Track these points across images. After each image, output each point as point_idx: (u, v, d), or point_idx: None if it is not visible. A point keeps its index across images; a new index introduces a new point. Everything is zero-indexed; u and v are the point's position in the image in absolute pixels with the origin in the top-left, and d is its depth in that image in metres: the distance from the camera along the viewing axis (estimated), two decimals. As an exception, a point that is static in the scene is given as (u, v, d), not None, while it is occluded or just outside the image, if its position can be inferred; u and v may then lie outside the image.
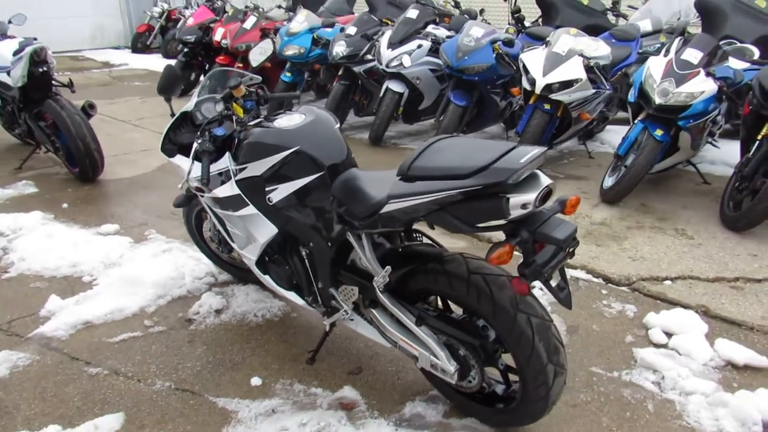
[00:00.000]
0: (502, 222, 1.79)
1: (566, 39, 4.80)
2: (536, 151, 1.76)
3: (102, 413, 2.35)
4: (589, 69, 4.78)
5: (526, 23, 7.37)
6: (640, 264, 3.52)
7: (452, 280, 2.03)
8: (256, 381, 2.54)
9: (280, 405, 2.41)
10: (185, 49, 8.13)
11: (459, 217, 1.80)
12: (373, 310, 2.29)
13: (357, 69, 6.15)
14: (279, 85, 6.70)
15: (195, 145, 2.53)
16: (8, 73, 4.66)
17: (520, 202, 1.70)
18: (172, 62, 8.17)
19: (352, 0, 9.90)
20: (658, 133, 4.13)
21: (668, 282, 3.33)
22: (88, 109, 4.90)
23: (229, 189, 2.50)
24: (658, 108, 4.07)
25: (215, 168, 2.56)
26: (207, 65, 8.14)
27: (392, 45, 5.72)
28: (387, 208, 1.93)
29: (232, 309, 3.09)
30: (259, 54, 6.92)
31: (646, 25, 6.50)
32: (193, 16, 8.29)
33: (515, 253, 1.80)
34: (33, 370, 2.62)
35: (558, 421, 2.33)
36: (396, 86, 5.74)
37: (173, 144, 2.79)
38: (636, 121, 4.36)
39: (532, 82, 4.74)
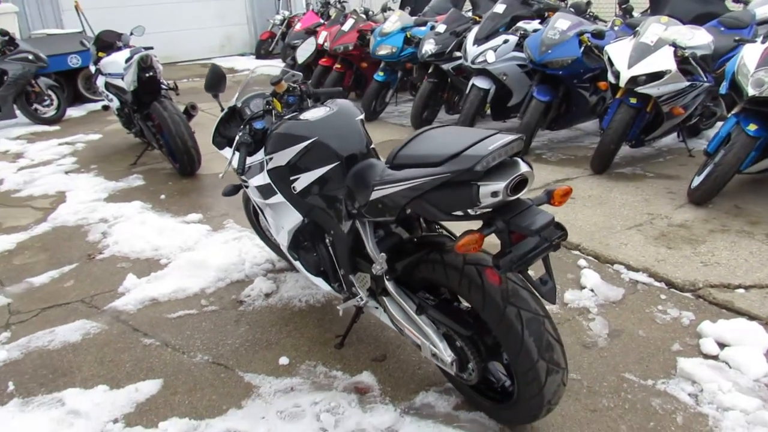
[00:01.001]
0: (478, 211, 1.77)
1: (656, 28, 4.48)
2: (508, 138, 1.71)
3: (145, 378, 2.62)
4: (683, 60, 4.43)
5: (635, 14, 6.95)
6: (713, 269, 3.21)
7: (448, 269, 2.03)
8: (284, 360, 2.69)
9: (300, 384, 2.53)
10: (294, 53, 8.58)
11: (435, 204, 1.81)
12: (384, 298, 2.34)
13: (445, 66, 6.16)
14: (372, 84, 6.88)
15: (237, 137, 2.72)
16: (122, 79, 5.24)
17: (490, 190, 1.67)
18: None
19: (461, 0, 9.86)
20: (752, 128, 3.73)
21: (741, 290, 3.01)
22: (190, 110, 5.39)
23: (262, 178, 2.67)
24: (751, 100, 3.68)
25: (255, 159, 2.74)
26: (313, 68, 8.52)
27: (478, 41, 5.66)
28: (373, 195, 1.97)
29: (280, 293, 3.27)
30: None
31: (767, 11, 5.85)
32: (301, 21, 8.73)
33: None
34: (100, 337, 2.97)
35: (572, 424, 2.23)
36: (481, 83, 5.66)
37: (222, 137, 3.02)
38: (729, 115, 3.97)
39: (617, 75, 4.48)
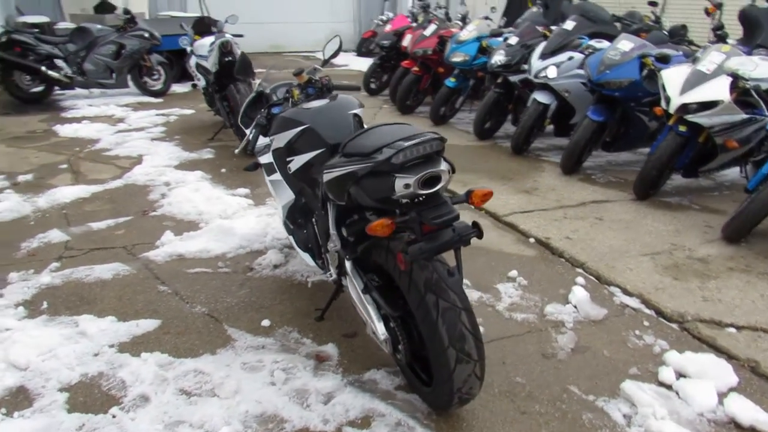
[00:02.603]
0: (401, 200, 1.95)
1: (715, 56, 4.34)
2: (428, 137, 1.88)
3: (148, 317, 3.01)
4: (744, 92, 4.26)
5: (729, 41, 6.63)
6: (710, 305, 3.14)
7: (388, 255, 2.22)
8: (266, 323, 2.98)
9: (271, 344, 2.81)
10: (382, 53, 8.93)
11: (365, 191, 2.01)
12: (346, 276, 2.56)
13: (513, 78, 6.22)
14: (442, 89, 7.06)
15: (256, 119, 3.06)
16: (207, 61, 5.79)
17: (403, 182, 1.86)
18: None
19: (556, 14, 9.75)
20: (791, 167, 3.57)
21: (731, 329, 2.93)
22: (263, 95, 5.85)
23: (268, 157, 2.98)
24: (793, 139, 3.52)
25: (267, 140, 3.05)
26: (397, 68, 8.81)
27: (543, 56, 5.69)
28: (323, 177, 2.21)
29: (287, 267, 3.57)
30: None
31: None
32: (391, 22, 9.05)
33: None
34: (127, 279, 3.41)
35: (496, 420, 2.34)
36: (542, 97, 5.68)
37: (249, 118, 3.37)
38: (774, 154, 3.80)
39: (668, 101, 4.39)
